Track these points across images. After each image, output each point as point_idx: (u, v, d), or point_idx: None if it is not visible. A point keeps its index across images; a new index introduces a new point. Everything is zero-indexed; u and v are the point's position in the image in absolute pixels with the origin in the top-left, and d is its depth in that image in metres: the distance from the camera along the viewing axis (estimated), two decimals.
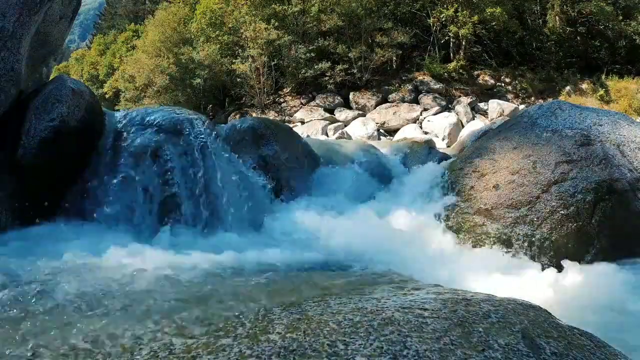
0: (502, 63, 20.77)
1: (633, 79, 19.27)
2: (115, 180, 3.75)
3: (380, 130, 17.79)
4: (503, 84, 20.23)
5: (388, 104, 19.15)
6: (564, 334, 1.68)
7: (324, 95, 19.80)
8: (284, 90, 21.01)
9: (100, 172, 3.81)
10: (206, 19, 21.82)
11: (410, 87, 19.55)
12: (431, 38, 20.50)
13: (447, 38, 20.14)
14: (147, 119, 4.00)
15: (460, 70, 19.69)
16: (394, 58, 20.32)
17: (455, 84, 19.58)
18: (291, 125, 16.44)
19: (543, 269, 3.73)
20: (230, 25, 21.08)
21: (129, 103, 23.78)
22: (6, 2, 3.60)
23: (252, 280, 2.47)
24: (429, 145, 5.63)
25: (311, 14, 20.07)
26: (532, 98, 19.32)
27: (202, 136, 3.99)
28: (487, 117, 17.56)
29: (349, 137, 16.12)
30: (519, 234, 3.98)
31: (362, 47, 19.50)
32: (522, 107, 17.56)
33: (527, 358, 1.47)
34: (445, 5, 19.74)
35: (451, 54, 20.19)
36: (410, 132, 16.45)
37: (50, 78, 4.59)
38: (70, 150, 3.74)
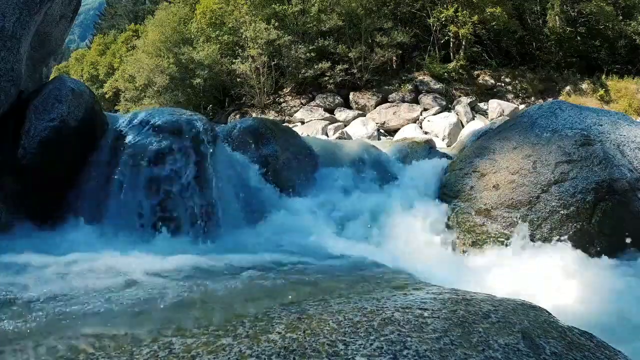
0: (502, 63, 20.78)
1: (633, 79, 19.27)
2: (114, 181, 3.75)
3: (380, 130, 17.78)
4: (503, 84, 20.22)
5: (388, 104, 19.14)
6: (564, 334, 1.68)
7: (324, 95, 19.79)
8: (284, 90, 21.00)
9: (100, 173, 3.81)
10: (206, 19, 21.81)
11: (410, 87, 19.54)
12: (431, 38, 20.50)
13: (447, 38, 20.14)
14: (147, 119, 4.00)
15: (460, 70, 19.68)
16: (394, 58, 20.33)
17: (455, 84, 19.58)
18: (291, 125, 16.45)
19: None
20: (230, 25, 21.07)
21: (129, 103, 23.78)
22: (6, 2, 3.59)
23: (250, 280, 2.47)
24: (429, 145, 5.63)
25: (311, 14, 20.05)
26: (532, 98, 19.32)
27: (202, 137, 3.99)
28: (487, 117, 17.55)
29: (349, 137, 16.11)
30: (519, 234, 3.98)
31: (362, 47, 19.49)
32: (522, 107, 17.56)
33: (527, 358, 1.47)
34: (445, 5, 19.75)
35: (451, 54, 20.19)
36: (410, 132, 16.45)
37: (50, 78, 4.59)
38: (70, 150, 3.74)
